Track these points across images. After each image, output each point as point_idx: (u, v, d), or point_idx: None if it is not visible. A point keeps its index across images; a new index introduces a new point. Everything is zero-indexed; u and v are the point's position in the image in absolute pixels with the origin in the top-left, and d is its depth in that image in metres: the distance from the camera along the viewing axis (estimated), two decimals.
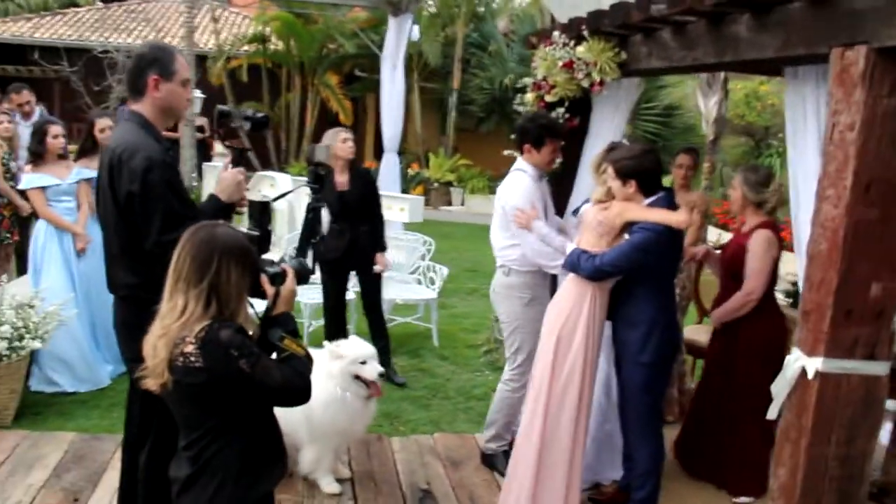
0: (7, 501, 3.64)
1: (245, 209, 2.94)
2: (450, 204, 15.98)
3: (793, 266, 3.45)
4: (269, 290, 2.24)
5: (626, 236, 3.43)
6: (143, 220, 2.69)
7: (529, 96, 4.52)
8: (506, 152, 4.29)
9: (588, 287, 3.46)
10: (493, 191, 7.61)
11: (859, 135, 2.36)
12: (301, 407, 3.34)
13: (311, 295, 6.02)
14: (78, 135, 6.24)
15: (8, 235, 6.12)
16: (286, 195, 6.36)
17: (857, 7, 2.40)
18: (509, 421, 4.19)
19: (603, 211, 3.51)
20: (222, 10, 19.64)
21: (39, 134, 5.18)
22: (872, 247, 2.41)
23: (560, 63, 4.19)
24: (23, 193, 5.57)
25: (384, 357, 5.51)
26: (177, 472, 2.20)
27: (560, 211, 4.36)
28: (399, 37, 9.16)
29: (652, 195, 3.47)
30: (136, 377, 2.20)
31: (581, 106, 4.32)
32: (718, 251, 4.42)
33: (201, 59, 15.76)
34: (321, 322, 5.66)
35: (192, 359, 2.02)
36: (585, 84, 4.12)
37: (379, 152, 8.82)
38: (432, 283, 6.67)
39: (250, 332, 2.18)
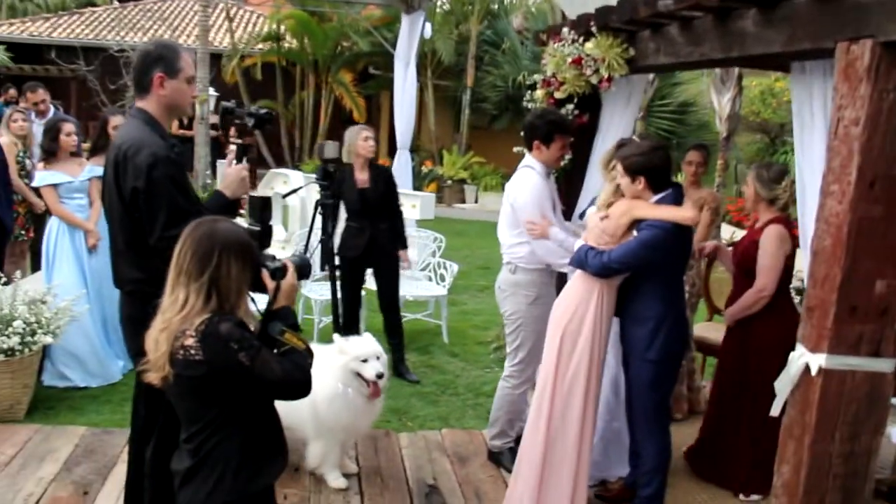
0: (19, 494, 3.69)
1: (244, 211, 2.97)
2: (463, 201, 15.98)
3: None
4: (270, 284, 2.25)
5: (635, 233, 3.42)
6: (148, 216, 2.71)
7: (539, 93, 4.52)
8: (516, 149, 4.28)
9: (595, 284, 3.45)
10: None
11: (864, 129, 2.34)
12: (307, 402, 3.38)
13: (320, 291, 6.05)
14: (94, 133, 6.29)
15: (23, 233, 6.19)
16: (296, 191, 6.43)
17: (863, 1, 2.38)
18: (512, 418, 4.19)
19: (603, 220, 3.49)
20: (237, 9, 19.74)
21: (53, 132, 5.24)
22: (877, 243, 2.39)
23: (569, 59, 4.18)
24: (37, 191, 5.63)
25: (397, 354, 5.55)
26: (178, 465, 2.22)
27: (570, 208, 4.35)
28: (412, 34, 9.15)
29: (661, 192, 3.45)
30: (139, 371, 2.22)
31: (590, 102, 4.31)
32: (730, 248, 4.39)
33: (216, 58, 15.88)
34: (331, 318, 5.68)
35: (193, 352, 2.04)
36: (594, 80, 4.11)
37: (392, 150, 8.84)
38: (443, 279, 6.68)
39: (251, 326, 2.20)
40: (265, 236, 2.86)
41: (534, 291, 4.00)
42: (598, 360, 3.48)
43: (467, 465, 4.26)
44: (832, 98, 2.52)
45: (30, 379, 4.60)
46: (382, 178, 5.44)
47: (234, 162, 2.94)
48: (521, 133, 4.09)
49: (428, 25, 8.49)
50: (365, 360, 3.66)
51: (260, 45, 17.23)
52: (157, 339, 2.11)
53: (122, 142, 2.77)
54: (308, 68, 17.16)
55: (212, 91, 13.60)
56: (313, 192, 5.30)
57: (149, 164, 2.68)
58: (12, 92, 9.94)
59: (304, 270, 2.36)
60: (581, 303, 3.45)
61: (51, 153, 5.24)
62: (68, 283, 4.98)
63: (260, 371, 2.08)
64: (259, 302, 2.31)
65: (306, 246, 5.47)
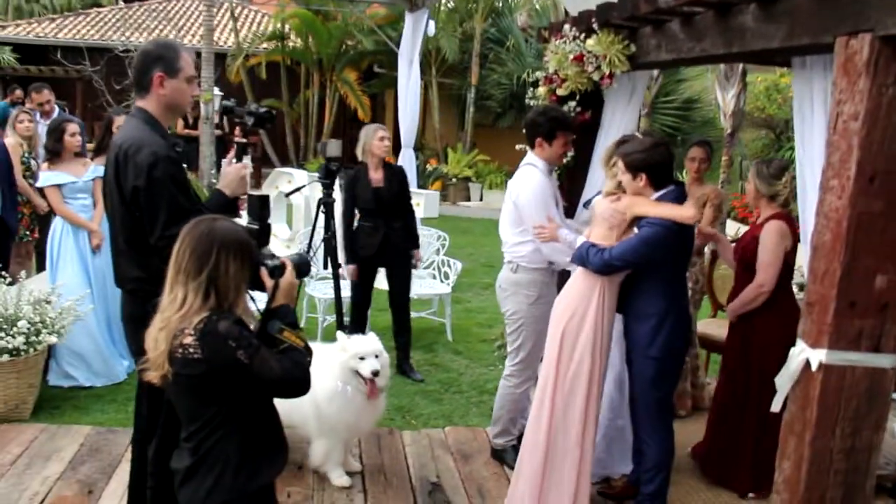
0: (24, 493, 3.71)
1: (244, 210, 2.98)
2: (468, 199, 15.98)
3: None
4: (269, 282, 2.26)
5: (636, 230, 3.42)
6: (149, 215, 2.73)
7: (541, 90, 4.51)
8: (518, 146, 4.28)
9: (597, 281, 3.45)
10: None
11: (863, 124, 2.33)
12: (309, 400, 3.40)
13: (324, 290, 6.06)
14: (99, 133, 6.31)
15: (27, 233, 6.22)
16: (299, 190, 6.44)
17: None
18: (514, 416, 4.19)
19: (615, 202, 3.49)
20: (241, 8, 19.79)
21: (57, 132, 5.25)
22: (876, 238, 2.37)
23: (571, 56, 4.17)
24: (41, 191, 5.66)
25: (403, 352, 5.57)
26: (178, 464, 2.23)
27: (573, 206, 4.35)
28: (415, 32, 9.15)
29: (662, 189, 3.45)
30: (139, 369, 2.23)
31: (593, 99, 4.30)
32: (733, 244, 4.38)
33: (221, 57, 15.90)
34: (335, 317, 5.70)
35: (191, 350, 2.05)
36: (596, 77, 4.10)
37: (397, 148, 8.85)
38: (447, 277, 6.68)
39: (250, 325, 2.21)
40: (264, 235, 2.87)
41: (535, 291, 4.00)
42: (601, 358, 3.47)
43: (471, 462, 4.27)
44: (832, 93, 2.51)
45: (35, 379, 4.62)
46: (396, 177, 5.47)
47: (234, 161, 2.95)
48: (524, 130, 4.09)
49: (431, 23, 8.50)
50: (363, 358, 3.67)
51: (264, 45, 17.26)
52: (156, 338, 2.12)
53: (123, 141, 2.78)
54: (312, 67, 17.18)
55: (217, 91, 13.62)
56: (317, 191, 5.30)
57: (149, 164, 2.69)
58: (18, 93, 9.99)
59: (302, 269, 2.37)
60: (582, 300, 3.45)
61: (55, 154, 5.26)
62: (72, 283, 5.00)
63: (258, 369, 2.09)
64: (259, 300, 2.32)
65: (309, 244, 5.48)
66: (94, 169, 5.29)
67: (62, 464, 4.00)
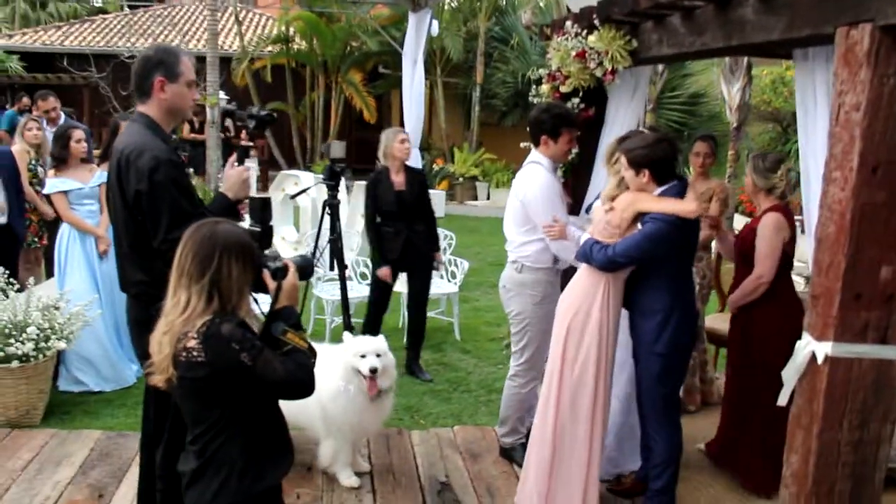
0: (35, 498, 3.73)
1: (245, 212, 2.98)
2: (475, 198, 15.97)
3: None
4: (271, 284, 2.27)
5: (639, 226, 3.41)
6: (152, 219, 2.74)
7: (544, 87, 4.50)
8: (523, 144, 4.27)
9: (601, 277, 3.44)
10: None
11: (865, 115, 2.32)
12: (315, 401, 3.40)
13: (332, 291, 6.06)
14: (105, 139, 6.33)
15: (36, 240, 6.24)
16: (304, 192, 6.45)
17: None
18: (521, 415, 4.18)
19: (608, 213, 3.48)
20: (246, 12, 19.83)
21: (63, 139, 5.28)
22: (880, 229, 2.37)
23: (573, 53, 4.17)
24: (48, 198, 5.68)
25: (413, 352, 5.59)
26: (184, 466, 2.24)
27: (578, 203, 4.34)
28: (419, 32, 9.15)
29: (665, 184, 3.44)
30: (145, 373, 2.24)
31: (596, 96, 4.29)
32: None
33: (226, 61, 15.94)
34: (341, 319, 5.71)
35: (195, 353, 2.06)
36: (598, 73, 4.09)
37: None
38: (454, 276, 6.68)
39: (253, 327, 2.21)
40: (266, 237, 2.88)
41: (540, 291, 3.99)
42: (607, 355, 3.46)
43: (479, 461, 4.26)
44: (834, 84, 2.50)
45: (45, 384, 4.65)
46: (417, 180, 5.50)
47: (236, 164, 2.96)
48: (528, 128, 4.08)
49: (435, 23, 8.49)
50: (363, 356, 3.67)
51: (269, 48, 17.29)
52: (160, 342, 2.13)
53: (125, 146, 2.80)
54: (317, 69, 17.20)
55: (222, 94, 13.67)
56: (323, 193, 5.31)
57: (151, 168, 2.70)
58: (25, 100, 10.04)
59: (305, 270, 2.37)
60: (587, 297, 3.44)
61: (61, 160, 5.28)
62: (80, 288, 5.02)
63: (262, 371, 2.09)
64: (262, 303, 2.33)
65: (315, 246, 5.49)
66: (101, 175, 5.30)
67: (73, 468, 4.02)
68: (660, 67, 10.76)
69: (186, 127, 13.58)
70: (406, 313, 6.04)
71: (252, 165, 3.03)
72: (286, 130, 17.46)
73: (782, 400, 2.66)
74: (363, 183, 9.16)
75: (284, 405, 2.34)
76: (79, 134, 5.32)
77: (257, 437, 2.21)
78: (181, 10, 20.87)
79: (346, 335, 3.86)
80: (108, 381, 5.12)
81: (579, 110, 4.24)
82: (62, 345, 4.59)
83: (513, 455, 4.22)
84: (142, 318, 2.75)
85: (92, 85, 16.18)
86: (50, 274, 6.17)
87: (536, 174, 3.97)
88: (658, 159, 3.41)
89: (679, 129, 14.23)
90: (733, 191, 5.23)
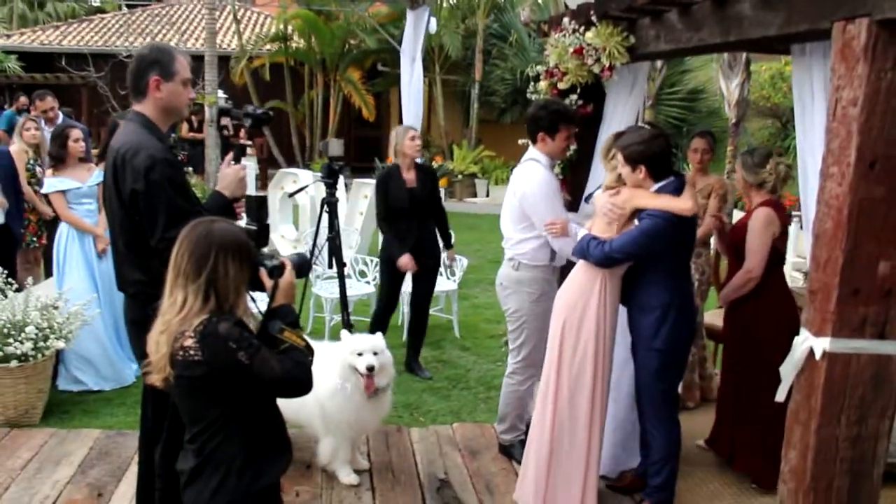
0: (35, 497, 3.73)
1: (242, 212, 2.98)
2: (474, 196, 15.97)
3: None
4: (268, 283, 2.26)
5: (636, 222, 3.41)
6: (148, 218, 2.73)
7: (542, 84, 4.50)
8: (521, 141, 4.27)
9: (598, 274, 3.44)
10: None
11: (862, 110, 2.31)
12: (313, 399, 3.40)
13: (331, 289, 6.06)
14: (104, 138, 6.33)
15: (35, 240, 6.25)
16: (302, 190, 6.45)
17: None
18: (520, 412, 4.18)
19: (614, 196, 3.48)
20: (244, 11, 19.81)
21: (61, 138, 5.27)
22: (878, 225, 2.36)
23: (570, 50, 4.16)
24: (46, 197, 5.68)
25: (413, 350, 5.60)
26: (183, 465, 2.24)
27: (576, 199, 4.34)
28: (417, 30, 9.14)
29: (662, 180, 3.43)
30: (143, 373, 2.24)
31: (594, 92, 4.29)
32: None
33: (224, 60, 15.93)
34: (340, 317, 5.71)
35: (192, 352, 2.06)
36: (596, 70, 4.09)
37: None
38: (453, 274, 6.67)
39: (250, 326, 2.21)
40: (262, 235, 2.88)
41: (537, 288, 3.98)
42: (604, 351, 3.46)
43: (478, 458, 4.26)
44: (831, 80, 2.49)
45: (44, 384, 4.65)
46: (429, 177, 5.50)
47: (232, 162, 2.95)
48: (526, 125, 4.07)
49: (433, 20, 8.50)
50: (360, 354, 3.66)
51: (267, 46, 17.27)
52: (157, 341, 2.13)
53: (121, 145, 2.79)
54: (316, 67, 17.18)
55: (221, 93, 13.65)
56: (322, 191, 5.31)
57: (146, 167, 2.70)
58: (23, 100, 10.03)
59: (302, 268, 2.37)
60: (584, 293, 3.44)
61: (59, 160, 5.27)
62: (79, 287, 5.02)
63: (259, 369, 2.09)
64: (259, 301, 2.33)
65: (314, 244, 5.48)
66: (99, 174, 5.30)
67: (72, 468, 4.02)
68: (658, 63, 10.76)
69: (185, 126, 13.57)
70: (406, 311, 6.04)
71: (249, 164, 3.02)
72: (285, 129, 17.45)
73: (780, 396, 2.65)
74: (362, 181, 9.22)
75: (283, 403, 2.33)
76: (77, 133, 5.32)
77: (255, 435, 2.20)
78: (179, 9, 20.85)
79: (344, 333, 3.86)
80: (107, 380, 5.12)
81: (577, 107, 4.23)
82: (61, 344, 4.59)
83: (512, 452, 4.22)
84: (139, 317, 2.74)
85: (90, 84, 16.17)
86: (49, 273, 6.17)
87: (534, 171, 3.96)
88: (654, 155, 3.41)
89: (678, 125, 14.23)
90: (732, 187, 5.22)
